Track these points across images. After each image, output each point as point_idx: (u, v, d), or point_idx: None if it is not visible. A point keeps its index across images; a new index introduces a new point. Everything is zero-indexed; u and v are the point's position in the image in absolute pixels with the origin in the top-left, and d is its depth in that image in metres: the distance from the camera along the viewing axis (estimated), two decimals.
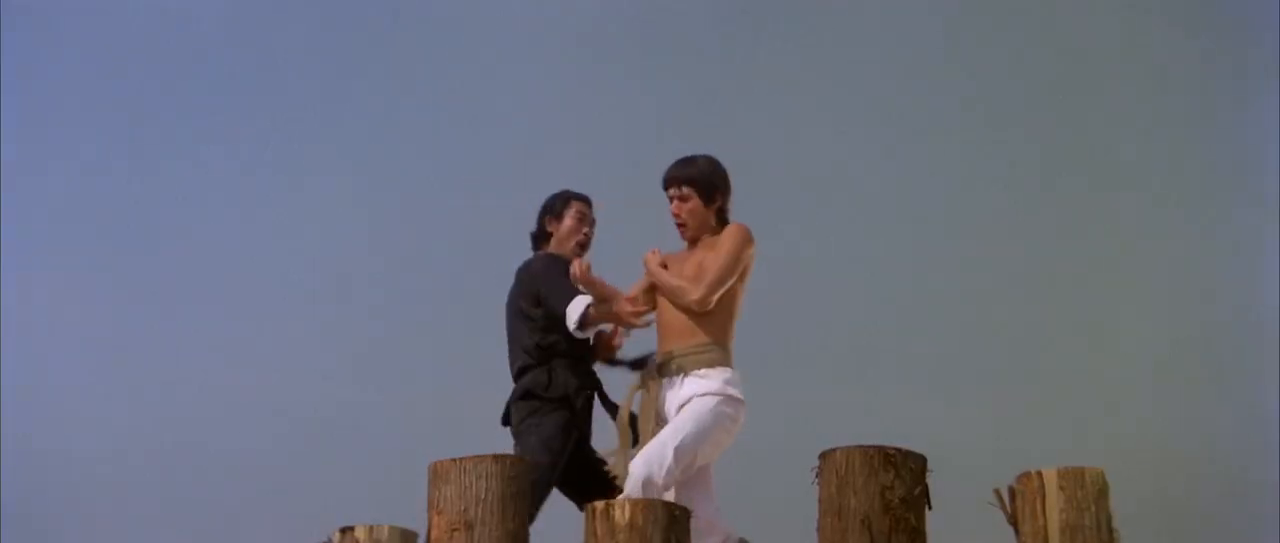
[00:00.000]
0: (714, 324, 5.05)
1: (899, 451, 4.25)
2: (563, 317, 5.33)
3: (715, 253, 5.08)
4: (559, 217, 5.64)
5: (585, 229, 5.61)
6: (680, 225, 5.18)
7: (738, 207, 5.22)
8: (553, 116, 9.03)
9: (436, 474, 4.45)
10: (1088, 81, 9.08)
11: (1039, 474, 4.23)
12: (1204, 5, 8.95)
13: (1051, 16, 9.08)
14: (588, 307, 5.27)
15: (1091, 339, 8.57)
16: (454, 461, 4.43)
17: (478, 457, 4.44)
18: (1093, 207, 8.90)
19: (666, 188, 5.18)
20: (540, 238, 5.68)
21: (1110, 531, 4.14)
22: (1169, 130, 9.00)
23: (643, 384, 5.16)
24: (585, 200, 5.66)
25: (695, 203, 5.11)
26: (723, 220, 5.21)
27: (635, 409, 5.14)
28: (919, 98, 8.76)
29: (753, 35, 9.33)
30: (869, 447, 4.26)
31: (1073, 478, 4.15)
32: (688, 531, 4.34)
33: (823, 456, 4.32)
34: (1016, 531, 4.25)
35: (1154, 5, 9.01)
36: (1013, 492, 4.29)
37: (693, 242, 5.20)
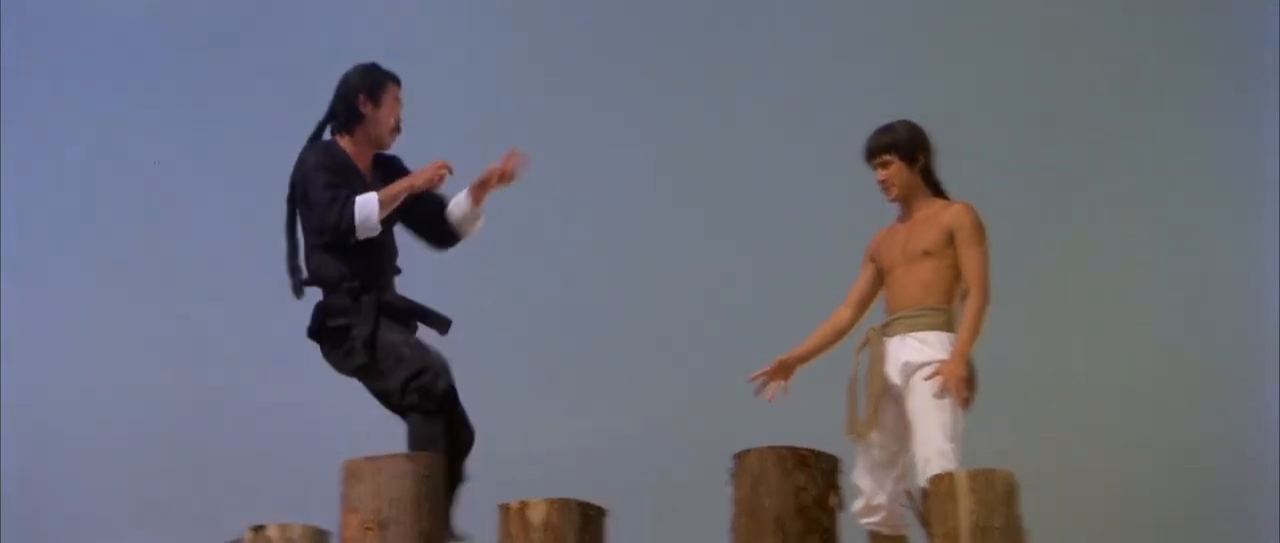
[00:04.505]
0: (936, 290, 5.16)
1: (813, 452, 4.28)
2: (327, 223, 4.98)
3: (968, 254, 5.15)
4: (377, 99, 5.16)
5: (400, 112, 5.20)
6: (886, 188, 5.30)
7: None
8: (487, 112, 8.99)
9: (350, 473, 4.42)
10: (1085, 79, 9.11)
11: (950, 476, 4.28)
12: (1204, 3, 9.00)
13: (1049, 13, 9.11)
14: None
15: (1090, 338, 8.62)
16: (368, 459, 4.41)
17: (392, 456, 4.42)
18: (1090, 205, 8.95)
19: (869, 159, 5.33)
20: (348, 120, 5.14)
21: (1019, 532, 4.20)
22: (1168, 129, 9.04)
23: (866, 344, 5.24)
24: (396, 80, 5.21)
25: (898, 165, 5.26)
26: (930, 179, 5.33)
27: (861, 371, 5.21)
28: (911, 93, 8.77)
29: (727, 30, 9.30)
30: (783, 448, 4.29)
31: (983, 480, 4.20)
32: (602, 531, 4.35)
33: (737, 456, 4.34)
34: (928, 531, 4.30)
35: (1153, 3, 9.06)
36: (925, 493, 4.34)
37: (904, 202, 5.32)
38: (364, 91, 5.13)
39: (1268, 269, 8.37)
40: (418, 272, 5.30)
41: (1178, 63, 9.06)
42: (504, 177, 5.22)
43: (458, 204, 5.27)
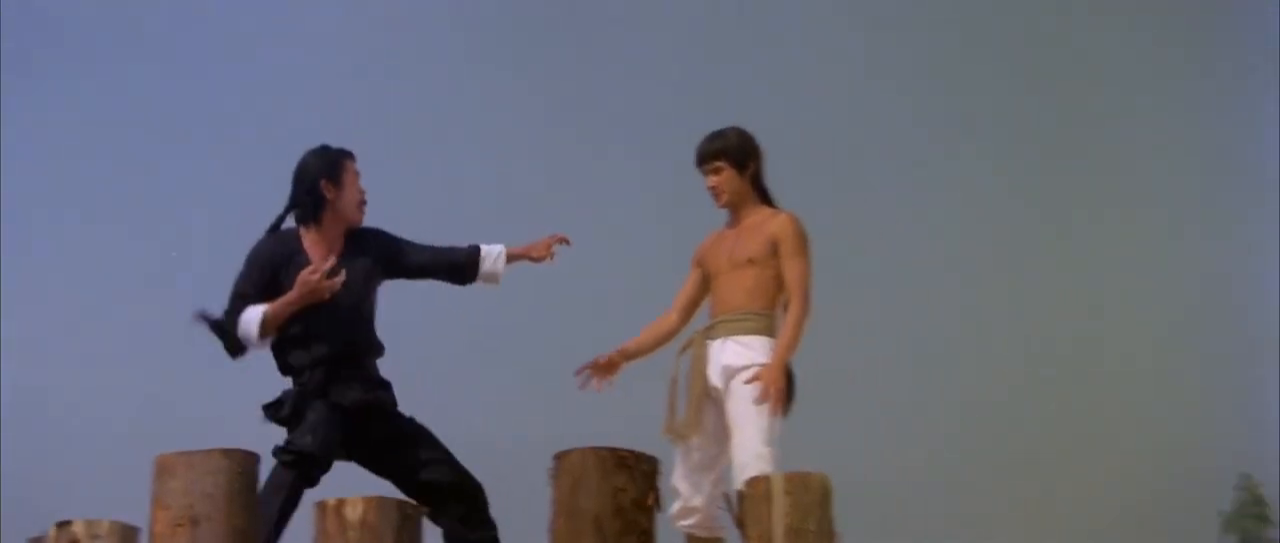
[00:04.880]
0: (760, 296, 5.19)
1: (633, 453, 4.31)
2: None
3: (790, 264, 5.23)
4: (338, 180, 5.18)
5: (362, 187, 5.23)
6: (716, 194, 5.31)
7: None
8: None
9: (162, 468, 4.32)
10: (1086, 79, 9.18)
11: (767, 479, 4.34)
12: (1205, 4, 9.14)
13: (1052, 14, 9.17)
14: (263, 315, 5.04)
15: (1090, 338, 8.73)
16: (181, 454, 4.32)
17: (206, 451, 4.32)
18: (1089, 206, 9.03)
19: (700, 165, 5.34)
20: (315, 208, 5.17)
21: (832, 535, 4.27)
22: (1168, 130, 9.14)
23: (689, 347, 5.26)
24: (351, 155, 5.26)
25: (728, 172, 5.30)
26: (759, 186, 5.36)
27: (682, 373, 5.26)
28: (916, 94, 8.78)
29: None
30: (603, 449, 4.31)
31: (798, 483, 4.27)
32: (420, 529, 4.32)
33: (558, 457, 4.35)
34: (743, 533, 4.35)
35: (1156, 4, 9.16)
36: (741, 495, 4.40)
37: (733, 209, 5.34)
38: (324, 176, 5.12)
39: (1268, 269, 8.54)
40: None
41: (1182, 62, 9.19)
42: (541, 256, 5.37)
43: (496, 262, 5.34)
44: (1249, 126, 9.09)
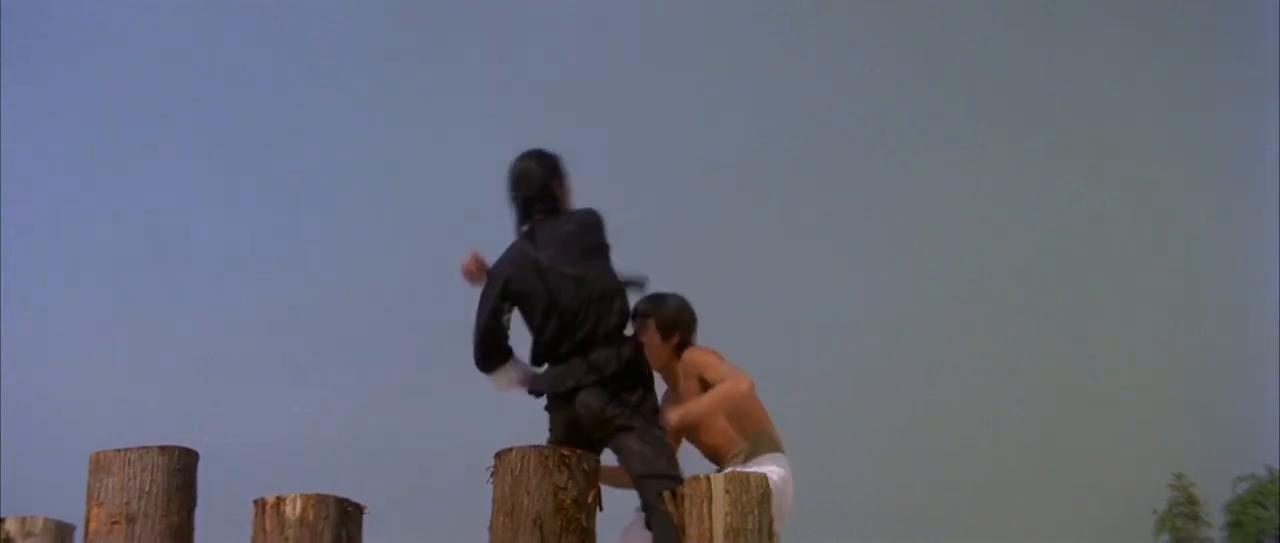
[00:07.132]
0: (745, 423, 5.25)
1: (573, 452, 4.32)
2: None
3: (713, 373, 5.21)
4: (563, 181, 5.26)
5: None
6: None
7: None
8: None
9: (98, 465, 4.29)
10: (1086, 82, 9.27)
11: (707, 479, 4.36)
12: (1206, 7, 9.25)
13: (1052, 15, 9.26)
14: None
15: (1091, 339, 8.82)
16: (118, 451, 4.29)
17: (143, 448, 4.30)
18: (1091, 209, 9.11)
19: (633, 318, 5.29)
20: (546, 202, 5.20)
21: (770, 534, 4.31)
22: (1170, 131, 9.24)
23: None
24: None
25: (653, 337, 5.32)
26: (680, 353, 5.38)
27: None
28: (915, 96, 8.84)
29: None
30: (544, 447, 4.32)
31: (738, 483, 4.30)
32: (359, 526, 4.31)
33: (498, 455, 4.35)
34: (683, 532, 4.37)
35: (1157, 7, 9.25)
36: (681, 495, 4.41)
37: (661, 370, 5.36)
38: (553, 177, 5.23)
39: (1268, 269, 8.67)
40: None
41: (1183, 65, 9.29)
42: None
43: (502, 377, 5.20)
44: (1250, 127, 9.24)
